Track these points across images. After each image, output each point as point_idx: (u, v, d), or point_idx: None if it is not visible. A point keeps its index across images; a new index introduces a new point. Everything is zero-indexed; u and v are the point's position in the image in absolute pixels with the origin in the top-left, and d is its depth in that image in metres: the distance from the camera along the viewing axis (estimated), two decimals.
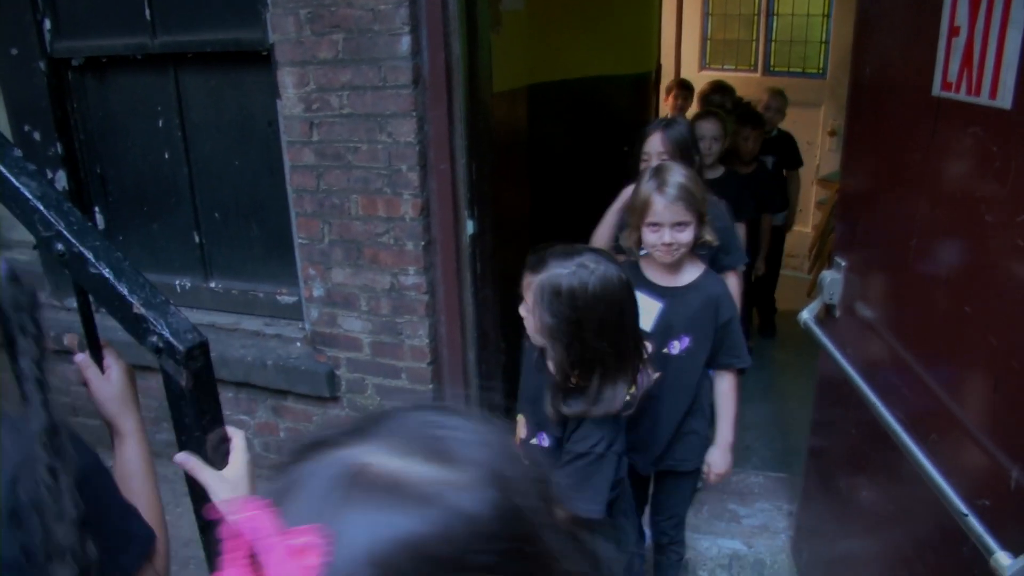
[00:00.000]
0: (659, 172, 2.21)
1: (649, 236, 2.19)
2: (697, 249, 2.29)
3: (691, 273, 2.28)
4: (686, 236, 2.16)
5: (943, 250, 1.67)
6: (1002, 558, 1.30)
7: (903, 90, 1.83)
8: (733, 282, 3.08)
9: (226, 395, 3.25)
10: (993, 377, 1.45)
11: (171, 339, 0.99)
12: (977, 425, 1.51)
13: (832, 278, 2.19)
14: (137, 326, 1.01)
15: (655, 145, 2.72)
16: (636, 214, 2.22)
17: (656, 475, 2.45)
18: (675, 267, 2.26)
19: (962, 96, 1.53)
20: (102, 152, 3.38)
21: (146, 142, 3.27)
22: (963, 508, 1.45)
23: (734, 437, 2.34)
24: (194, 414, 1.03)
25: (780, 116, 4.69)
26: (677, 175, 2.17)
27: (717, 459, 2.32)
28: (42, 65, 3.17)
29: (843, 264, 2.16)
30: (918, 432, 1.68)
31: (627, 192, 2.65)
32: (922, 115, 1.70)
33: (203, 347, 1.02)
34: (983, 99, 1.45)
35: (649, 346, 2.01)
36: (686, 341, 2.22)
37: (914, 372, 1.75)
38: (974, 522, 1.41)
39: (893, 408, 1.79)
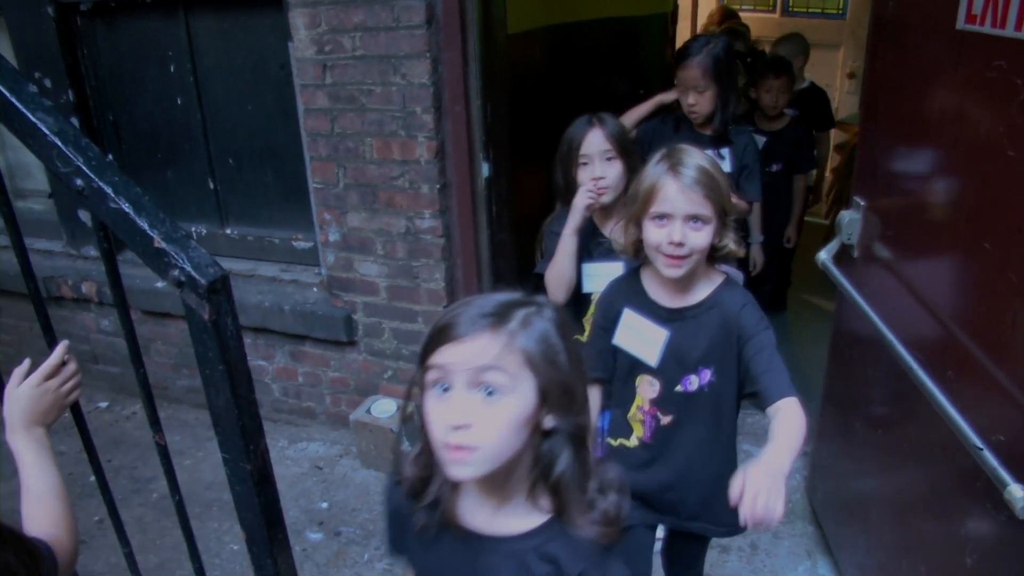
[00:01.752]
0: (674, 152, 1.66)
1: (653, 232, 1.64)
2: (718, 263, 1.76)
3: (705, 287, 1.73)
4: (701, 238, 1.62)
5: (963, 187, 1.65)
6: (1016, 490, 1.32)
7: (926, 25, 1.79)
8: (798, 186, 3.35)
9: (244, 341, 3.29)
10: (1011, 313, 1.45)
11: (193, 272, 1.00)
12: (994, 362, 1.51)
13: (851, 218, 2.17)
14: (158, 260, 1.02)
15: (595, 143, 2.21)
16: (638, 202, 1.67)
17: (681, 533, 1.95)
18: (686, 281, 1.70)
19: (987, 29, 1.50)
20: (114, 99, 3.37)
21: (158, 88, 3.26)
22: (978, 443, 1.46)
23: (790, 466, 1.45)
24: (217, 347, 1.04)
25: (803, 59, 4.13)
26: (697, 157, 1.65)
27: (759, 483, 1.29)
28: (50, 11, 3.16)
29: (862, 204, 2.14)
30: (935, 370, 1.69)
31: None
32: (945, 50, 1.67)
33: (224, 280, 1.03)
34: (1008, 31, 1.42)
35: (656, 384, 1.74)
36: (707, 374, 1.71)
37: (932, 310, 1.75)
38: (989, 456, 1.42)
39: (910, 346, 1.79)
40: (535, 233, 3.60)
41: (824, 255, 2.25)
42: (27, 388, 1.30)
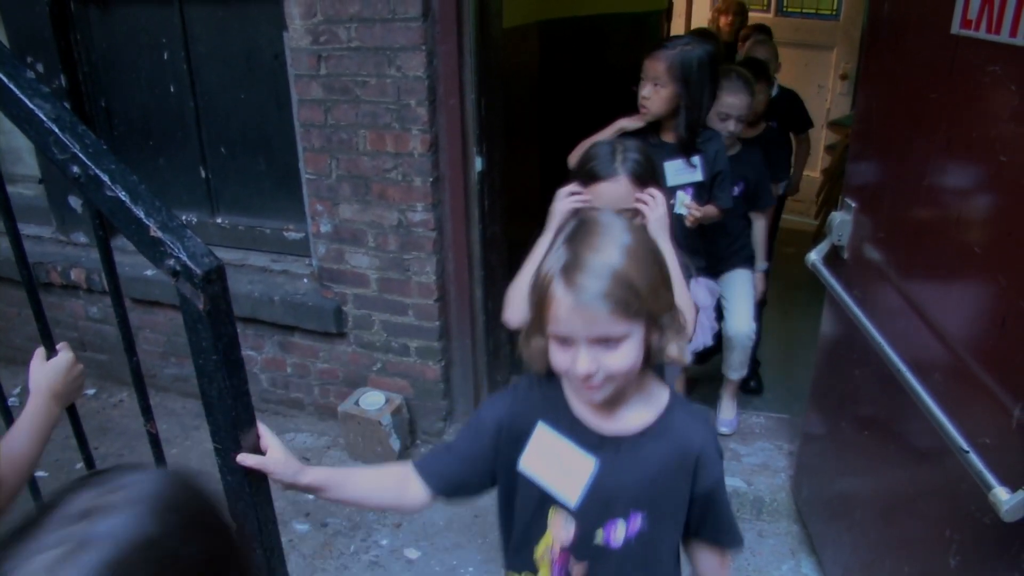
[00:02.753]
0: (575, 240, 1.18)
1: (557, 355, 1.21)
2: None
3: (645, 409, 1.31)
4: (618, 360, 1.17)
5: (955, 190, 1.67)
6: (1000, 493, 1.33)
7: (921, 28, 1.80)
8: (761, 225, 3.08)
9: None
10: (1000, 317, 1.46)
11: (188, 262, 1.00)
12: (981, 365, 1.52)
13: (842, 219, 2.18)
14: (154, 249, 1.01)
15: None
16: (536, 308, 1.22)
17: None
18: (616, 402, 1.29)
19: (982, 34, 1.51)
20: (106, 85, 3.35)
21: (151, 75, 3.24)
22: (964, 445, 1.48)
23: None
24: (211, 337, 1.04)
25: (775, 62, 3.84)
26: (607, 250, 1.16)
27: None
28: None
29: (853, 205, 2.15)
30: (922, 372, 1.70)
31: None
32: (940, 53, 1.68)
33: (220, 271, 1.03)
34: (1003, 37, 1.43)
35: (571, 528, 1.32)
36: (637, 521, 1.31)
37: (921, 312, 1.76)
38: (974, 458, 1.44)
39: (898, 348, 1.80)
40: (527, 227, 3.59)
41: (814, 256, 2.27)
42: (63, 363, 1.39)
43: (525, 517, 1.38)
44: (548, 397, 1.35)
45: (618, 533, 1.31)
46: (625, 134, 2.53)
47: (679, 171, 2.52)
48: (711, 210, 2.62)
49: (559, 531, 1.35)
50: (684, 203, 2.51)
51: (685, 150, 2.53)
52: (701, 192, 2.57)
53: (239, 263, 3.29)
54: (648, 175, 1.86)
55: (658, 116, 2.53)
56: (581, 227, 1.21)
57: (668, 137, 2.57)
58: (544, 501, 1.34)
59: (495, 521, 1.47)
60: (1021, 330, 1.40)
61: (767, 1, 6.98)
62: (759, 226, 3.21)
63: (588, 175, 1.87)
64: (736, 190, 2.95)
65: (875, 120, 2.11)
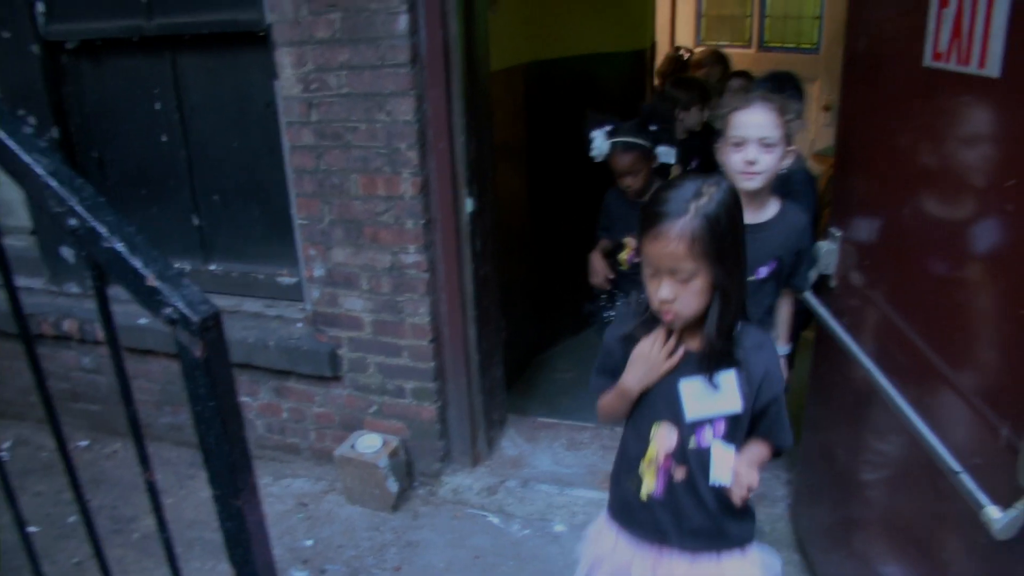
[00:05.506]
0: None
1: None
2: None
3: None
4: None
5: (936, 217, 1.70)
6: (992, 511, 1.35)
7: (895, 61, 1.85)
8: (787, 308, 2.48)
9: None
10: (984, 339, 1.49)
11: (185, 310, 1.01)
12: (969, 387, 1.54)
13: (828, 248, 2.22)
14: (151, 298, 1.03)
15: None
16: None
17: None
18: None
19: (952, 66, 1.55)
20: (99, 136, 3.39)
21: (143, 125, 3.28)
22: (956, 466, 1.49)
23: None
24: (209, 384, 1.05)
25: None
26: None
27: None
28: (35, 48, 3.18)
29: (838, 235, 2.19)
30: (912, 396, 1.72)
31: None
32: (914, 85, 1.73)
33: (216, 318, 1.05)
34: (972, 68, 1.47)
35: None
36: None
37: (908, 337, 1.79)
38: (966, 479, 1.46)
39: (888, 373, 1.83)
40: (519, 267, 3.64)
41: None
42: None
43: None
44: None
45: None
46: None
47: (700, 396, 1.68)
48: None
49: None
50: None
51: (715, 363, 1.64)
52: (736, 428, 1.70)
53: (233, 309, 3.30)
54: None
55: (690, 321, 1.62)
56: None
57: (692, 344, 1.67)
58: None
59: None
60: (1005, 351, 1.42)
61: (749, 37, 7.11)
62: (785, 303, 2.46)
63: None
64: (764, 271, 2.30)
65: (855, 151, 2.16)
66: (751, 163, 2.17)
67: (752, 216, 2.19)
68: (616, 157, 3.10)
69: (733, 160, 2.21)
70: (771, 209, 2.30)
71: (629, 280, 3.15)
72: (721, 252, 1.49)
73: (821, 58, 6.44)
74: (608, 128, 3.13)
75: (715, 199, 1.49)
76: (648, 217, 1.53)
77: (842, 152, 2.27)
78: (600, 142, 3.10)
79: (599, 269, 3.34)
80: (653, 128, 3.14)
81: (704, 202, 1.48)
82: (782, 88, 3.00)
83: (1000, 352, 1.44)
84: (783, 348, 2.48)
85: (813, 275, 2.30)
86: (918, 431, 1.64)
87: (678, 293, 1.53)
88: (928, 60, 1.64)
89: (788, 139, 2.22)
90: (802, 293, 2.34)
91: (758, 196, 2.25)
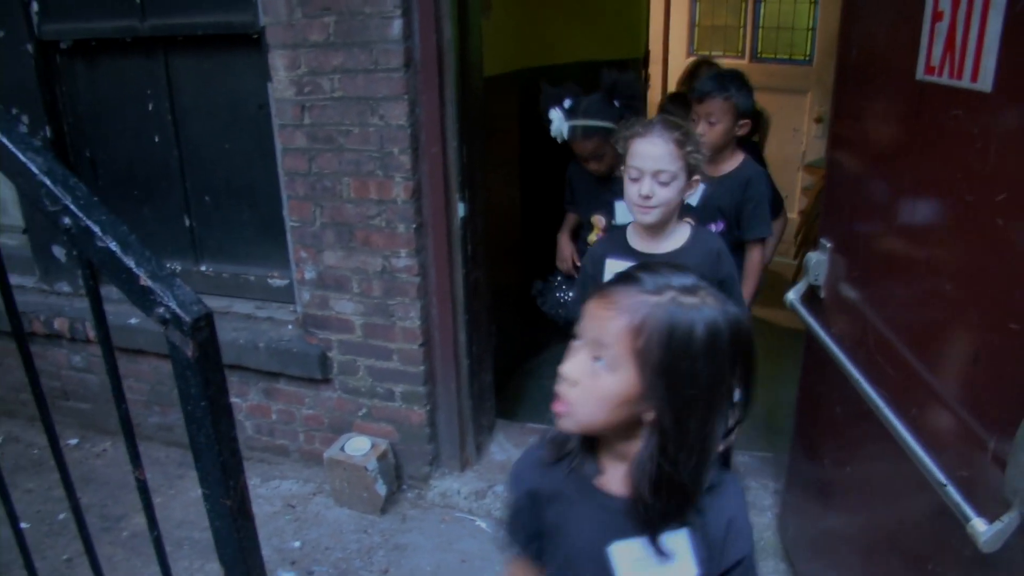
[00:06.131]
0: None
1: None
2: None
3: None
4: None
5: (925, 229, 1.71)
6: (978, 524, 1.35)
7: (888, 74, 1.87)
8: (756, 257, 2.88)
9: None
10: (973, 352, 1.50)
11: (178, 310, 1.02)
12: (957, 399, 1.55)
13: (818, 259, 2.23)
14: (144, 298, 1.03)
15: None
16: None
17: None
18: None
19: (944, 80, 1.56)
20: (91, 136, 3.39)
21: (136, 126, 3.28)
22: (943, 479, 1.50)
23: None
24: (200, 384, 1.05)
25: None
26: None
27: None
28: (30, 48, 3.17)
29: (828, 245, 2.20)
30: (900, 407, 1.73)
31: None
32: (906, 98, 1.74)
33: (208, 318, 1.05)
34: (965, 82, 1.49)
35: None
36: None
37: (896, 349, 1.80)
38: (953, 492, 1.46)
39: (876, 384, 1.84)
40: (510, 272, 3.64)
41: (792, 295, 2.31)
42: None
43: None
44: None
45: None
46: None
47: None
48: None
49: None
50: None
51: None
52: None
53: (224, 310, 3.29)
54: None
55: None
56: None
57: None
58: None
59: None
60: (993, 364, 1.43)
61: (742, 48, 7.14)
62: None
63: None
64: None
65: (846, 162, 2.17)
66: (646, 197, 2.08)
67: (656, 246, 2.18)
68: (577, 143, 2.94)
69: (629, 191, 2.13)
70: (679, 237, 2.21)
71: None
72: (673, 375, 1.03)
73: (813, 70, 6.47)
74: (567, 105, 2.91)
75: (707, 311, 1.05)
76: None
77: (833, 164, 2.28)
78: (558, 124, 2.91)
79: (567, 254, 3.25)
80: (617, 103, 2.91)
81: (689, 301, 1.05)
82: (725, 87, 2.82)
83: (988, 365, 1.45)
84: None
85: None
86: (905, 442, 1.65)
87: (580, 376, 1.09)
88: (921, 74, 1.66)
89: (692, 170, 2.12)
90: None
91: (662, 226, 2.19)
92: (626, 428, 1.11)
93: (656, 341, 1.02)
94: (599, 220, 3.04)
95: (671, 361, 1.03)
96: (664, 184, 2.06)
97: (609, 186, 2.94)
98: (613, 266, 2.16)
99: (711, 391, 1.06)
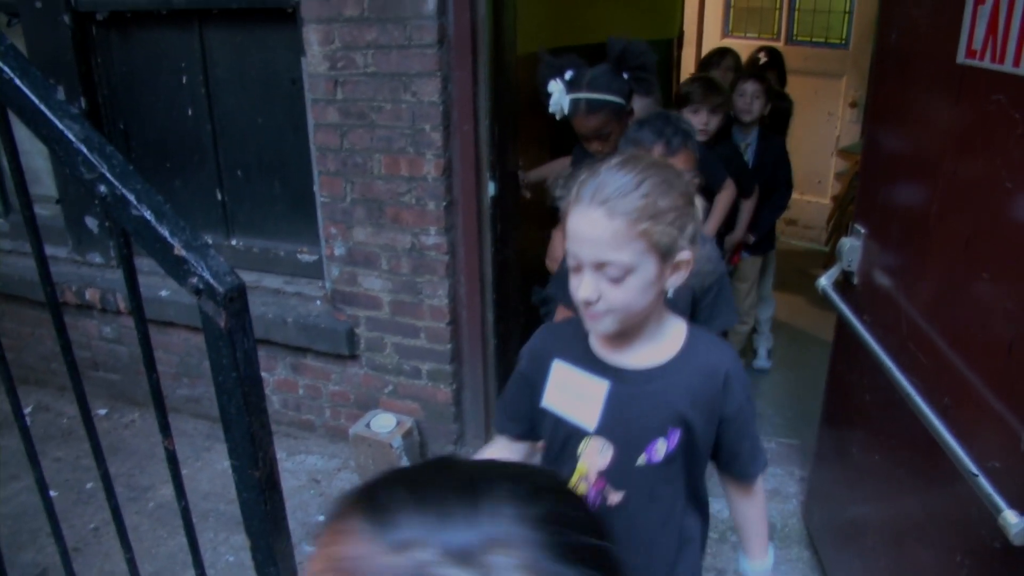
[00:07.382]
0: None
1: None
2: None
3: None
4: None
5: (963, 217, 1.68)
6: (1010, 516, 1.34)
7: (928, 57, 1.83)
8: (726, 197, 2.96)
9: None
10: (1007, 342, 1.47)
11: (211, 280, 1.02)
12: (990, 389, 1.53)
13: (851, 245, 2.20)
14: (178, 268, 1.04)
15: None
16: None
17: None
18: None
19: (986, 64, 1.53)
20: (125, 108, 3.41)
21: (170, 98, 3.30)
22: (974, 469, 1.48)
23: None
24: (231, 355, 1.06)
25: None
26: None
27: None
28: (66, 19, 3.19)
29: (863, 231, 2.17)
30: (932, 397, 1.71)
31: None
32: (946, 82, 1.70)
33: (241, 289, 1.06)
34: (1007, 67, 1.46)
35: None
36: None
37: (930, 337, 1.78)
38: (984, 482, 1.44)
39: (908, 373, 1.81)
40: (539, 252, 3.62)
41: (824, 281, 2.28)
42: None
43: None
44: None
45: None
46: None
47: None
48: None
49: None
50: None
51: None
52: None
53: (253, 285, 3.32)
54: None
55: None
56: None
57: None
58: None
59: None
60: None
61: (777, 30, 7.04)
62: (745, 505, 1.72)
63: None
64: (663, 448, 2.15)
65: (883, 147, 2.13)
66: (588, 303, 1.25)
67: (628, 358, 1.36)
68: (579, 119, 2.46)
69: (571, 286, 1.28)
70: (666, 345, 1.37)
71: None
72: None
73: (849, 53, 6.36)
74: (569, 76, 2.48)
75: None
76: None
77: (870, 149, 2.25)
78: (558, 96, 2.46)
79: (558, 253, 2.61)
80: (626, 76, 2.48)
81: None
82: (662, 134, 2.09)
83: (1022, 355, 1.43)
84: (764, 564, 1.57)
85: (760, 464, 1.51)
86: (937, 431, 1.63)
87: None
88: (962, 57, 1.62)
89: (667, 252, 1.23)
90: (753, 483, 1.50)
91: (639, 330, 1.34)
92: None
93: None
94: None
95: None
96: (615, 281, 1.22)
97: None
98: (562, 374, 1.40)
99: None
